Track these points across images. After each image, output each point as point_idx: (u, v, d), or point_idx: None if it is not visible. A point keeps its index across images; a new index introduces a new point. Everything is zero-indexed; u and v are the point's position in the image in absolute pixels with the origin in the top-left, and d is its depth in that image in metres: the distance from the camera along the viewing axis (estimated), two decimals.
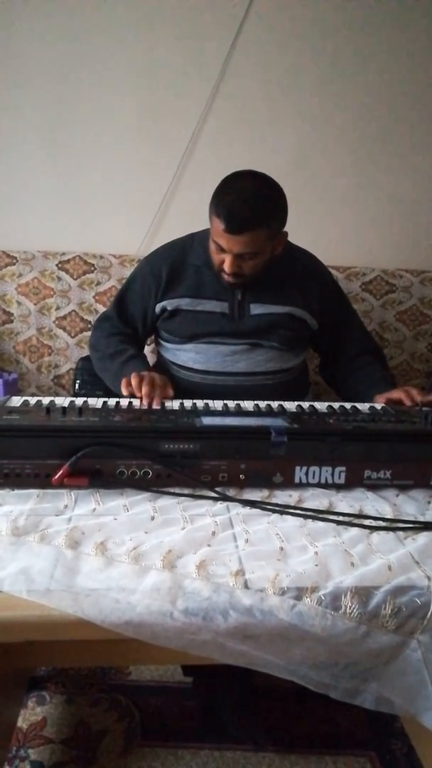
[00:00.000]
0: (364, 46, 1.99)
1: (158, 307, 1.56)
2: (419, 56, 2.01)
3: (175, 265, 1.55)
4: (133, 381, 1.31)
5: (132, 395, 1.30)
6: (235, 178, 1.39)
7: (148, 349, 1.88)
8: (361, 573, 0.86)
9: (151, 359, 1.74)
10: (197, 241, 1.56)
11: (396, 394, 1.38)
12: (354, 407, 1.29)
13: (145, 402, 1.26)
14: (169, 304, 1.54)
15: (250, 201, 1.34)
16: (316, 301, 1.57)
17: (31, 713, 1.43)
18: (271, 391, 1.51)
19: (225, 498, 1.03)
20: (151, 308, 1.57)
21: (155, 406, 1.25)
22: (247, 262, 1.41)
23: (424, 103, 2.06)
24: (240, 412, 1.21)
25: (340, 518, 0.99)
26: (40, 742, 1.36)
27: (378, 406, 1.35)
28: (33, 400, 1.22)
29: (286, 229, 1.46)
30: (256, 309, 1.52)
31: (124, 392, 1.31)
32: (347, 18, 1.95)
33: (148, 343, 1.85)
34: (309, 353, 1.74)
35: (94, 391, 1.75)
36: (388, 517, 1.01)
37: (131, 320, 1.62)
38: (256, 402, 1.28)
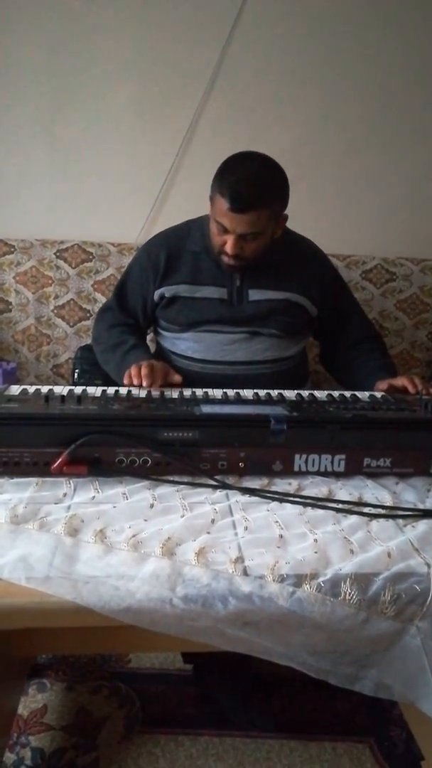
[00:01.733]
0: (365, 33, 1.97)
1: (156, 294, 1.56)
2: (420, 43, 1.99)
3: (173, 251, 1.54)
4: (133, 371, 1.31)
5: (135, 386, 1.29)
6: (239, 159, 1.38)
7: (147, 339, 1.88)
8: (360, 560, 0.86)
9: (150, 349, 1.73)
10: (195, 227, 1.56)
11: (400, 381, 1.37)
12: (354, 395, 1.29)
13: (145, 383, 1.26)
14: (167, 290, 1.54)
15: (255, 180, 1.34)
16: (315, 287, 1.56)
17: (32, 700, 1.44)
18: (270, 380, 1.51)
19: (224, 486, 1.03)
20: (150, 296, 1.57)
21: (154, 391, 1.24)
22: (249, 244, 1.40)
23: (424, 91, 2.04)
24: (239, 401, 1.21)
25: (340, 506, 0.99)
26: (40, 729, 1.37)
27: (378, 394, 1.34)
28: (32, 389, 1.21)
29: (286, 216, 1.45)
30: (254, 295, 1.51)
31: (126, 383, 1.31)
32: (347, 2, 1.93)
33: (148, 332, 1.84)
34: (308, 342, 1.73)
35: (93, 380, 1.74)
36: (388, 504, 1.00)
37: (132, 310, 1.61)
38: (255, 390, 1.28)
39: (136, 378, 1.29)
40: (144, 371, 1.29)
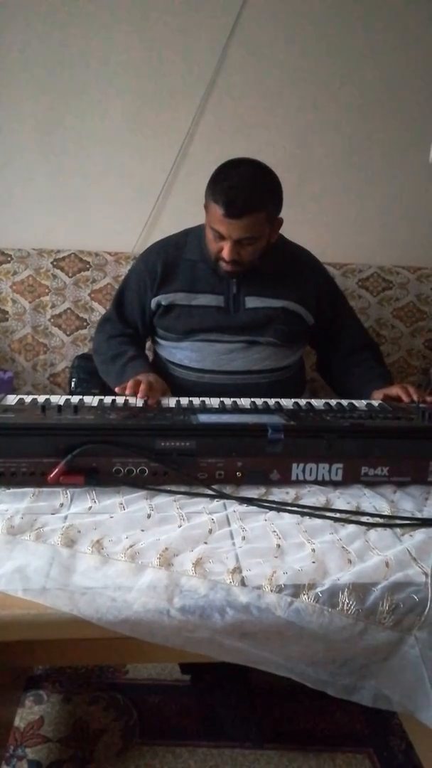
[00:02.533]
0: (362, 40, 1.98)
1: (153, 302, 1.56)
2: (418, 50, 2.00)
3: (170, 260, 1.55)
4: (130, 390, 1.31)
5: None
6: (230, 165, 1.40)
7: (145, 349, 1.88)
8: (358, 570, 0.85)
9: (149, 359, 1.73)
10: (192, 236, 1.56)
11: (394, 390, 1.38)
12: (351, 404, 1.29)
13: (139, 397, 1.26)
14: (164, 299, 1.54)
15: (248, 185, 1.35)
16: (311, 295, 1.56)
17: (29, 712, 1.43)
18: (267, 390, 1.51)
19: (222, 495, 1.03)
20: (148, 304, 1.57)
21: (150, 402, 1.24)
22: (246, 249, 1.40)
23: (420, 100, 2.05)
24: (236, 410, 1.20)
25: (338, 515, 0.99)
26: (37, 741, 1.36)
27: (375, 402, 1.35)
28: (28, 399, 1.21)
29: (283, 226, 1.46)
30: (251, 302, 1.52)
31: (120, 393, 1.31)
32: (344, 11, 1.95)
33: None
34: (306, 351, 1.73)
35: (90, 389, 1.74)
36: (386, 513, 1.00)
37: (131, 319, 1.61)
38: (252, 399, 1.28)
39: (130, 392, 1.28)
40: (142, 388, 1.28)
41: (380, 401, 1.36)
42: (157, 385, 1.35)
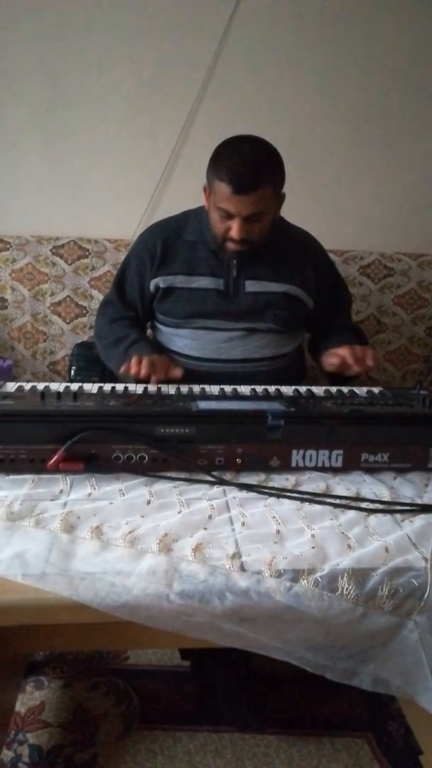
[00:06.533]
0: (364, 27, 1.96)
1: (152, 284, 1.54)
2: (418, 37, 1.98)
3: (169, 241, 1.53)
4: (134, 359, 1.30)
5: (136, 380, 1.29)
6: (233, 142, 1.38)
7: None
8: (358, 555, 0.85)
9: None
10: (192, 217, 1.55)
11: (342, 350, 1.38)
12: (351, 391, 1.29)
13: (143, 372, 1.26)
14: (162, 281, 1.53)
15: (254, 160, 1.34)
16: (312, 279, 1.55)
17: (29, 698, 1.44)
18: (267, 378, 1.50)
19: (221, 482, 1.03)
20: (147, 285, 1.55)
21: (151, 386, 1.24)
22: (254, 226, 1.38)
23: (421, 87, 2.04)
24: (236, 396, 1.20)
25: (337, 501, 0.99)
26: (38, 726, 1.37)
27: (375, 389, 1.34)
28: (28, 386, 1.21)
29: (284, 210, 1.45)
30: (251, 286, 1.50)
31: (124, 373, 1.30)
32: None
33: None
34: (305, 339, 1.73)
35: (90, 377, 1.74)
36: (386, 499, 1.00)
37: (131, 301, 1.60)
38: (252, 386, 1.27)
39: (135, 366, 1.28)
40: (145, 362, 1.28)
41: (381, 389, 1.35)
42: (160, 362, 1.34)
